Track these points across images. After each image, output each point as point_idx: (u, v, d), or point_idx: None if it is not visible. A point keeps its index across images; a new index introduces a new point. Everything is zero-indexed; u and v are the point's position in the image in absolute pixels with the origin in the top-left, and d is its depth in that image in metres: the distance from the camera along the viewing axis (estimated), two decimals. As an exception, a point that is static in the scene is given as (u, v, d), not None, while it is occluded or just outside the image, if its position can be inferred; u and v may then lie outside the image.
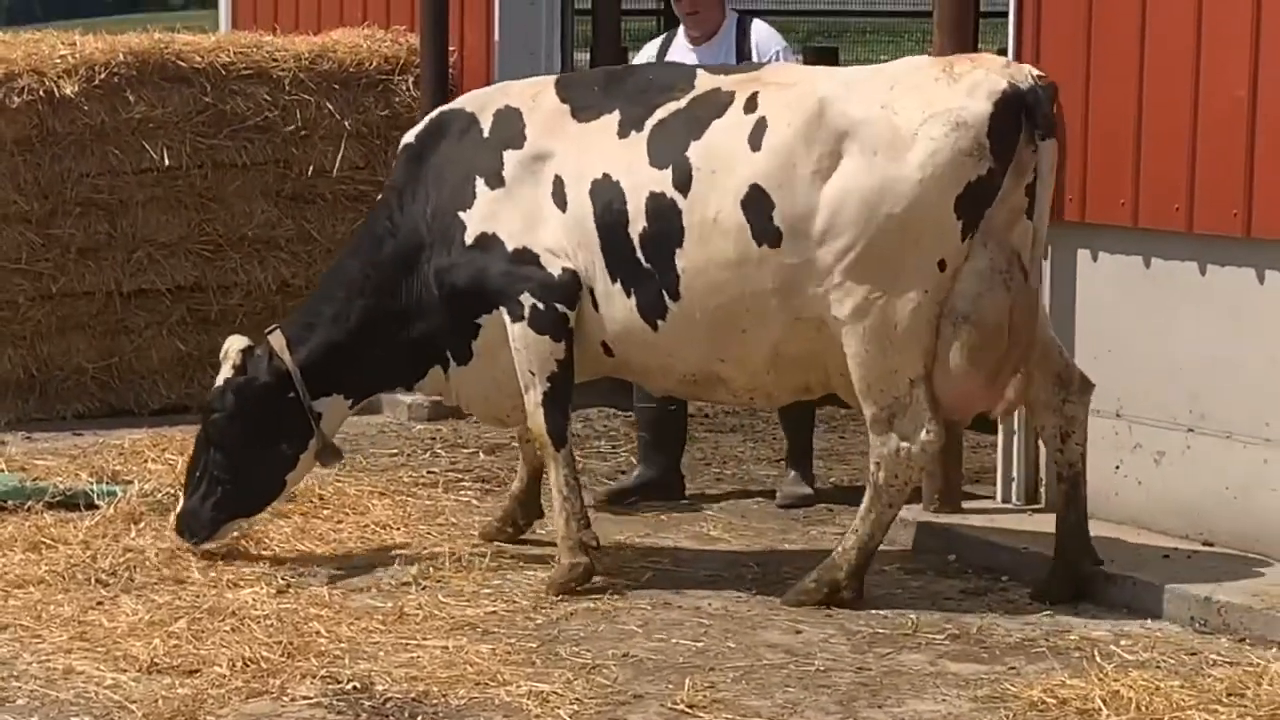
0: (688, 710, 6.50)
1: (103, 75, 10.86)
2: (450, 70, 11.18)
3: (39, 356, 10.83)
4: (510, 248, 7.94)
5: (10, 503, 8.70)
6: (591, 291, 7.90)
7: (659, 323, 7.81)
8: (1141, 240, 8.31)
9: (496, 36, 11.39)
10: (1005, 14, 8.80)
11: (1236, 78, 7.83)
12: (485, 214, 7.99)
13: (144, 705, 6.43)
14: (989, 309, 7.51)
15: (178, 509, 8.13)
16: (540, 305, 7.87)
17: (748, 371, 7.87)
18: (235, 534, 8.20)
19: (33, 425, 10.59)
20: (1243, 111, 7.82)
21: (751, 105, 7.74)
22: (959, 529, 8.47)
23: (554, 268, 7.89)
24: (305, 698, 6.57)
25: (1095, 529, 8.26)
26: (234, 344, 8.17)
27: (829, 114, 7.55)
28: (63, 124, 10.80)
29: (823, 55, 15.47)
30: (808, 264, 7.55)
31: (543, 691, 6.61)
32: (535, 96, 8.15)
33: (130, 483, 8.87)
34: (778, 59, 9.01)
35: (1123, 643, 7.22)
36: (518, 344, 7.91)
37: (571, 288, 7.88)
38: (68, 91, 10.74)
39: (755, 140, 7.65)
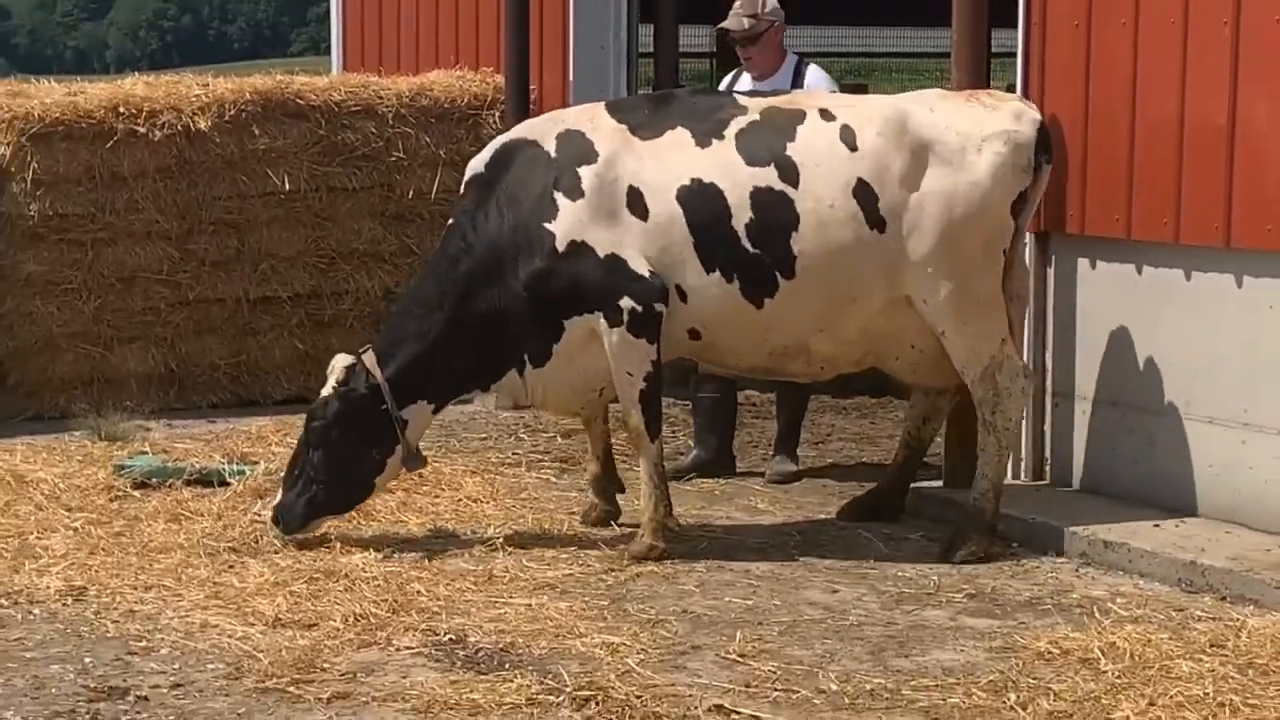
0: (739, 659, 6.48)
1: (232, 112, 10.91)
2: (531, 106, 11.16)
3: (178, 355, 10.90)
4: (602, 254, 7.82)
5: (155, 481, 8.75)
6: (678, 286, 7.83)
7: (767, 300, 7.80)
8: (1134, 250, 8.26)
9: (571, 77, 11.40)
10: (1014, 54, 8.74)
11: (1217, 110, 7.78)
12: (571, 224, 7.84)
13: (269, 654, 6.45)
14: (1023, 287, 8.13)
15: (275, 502, 8.01)
16: (639, 308, 7.77)
17: (838, 341, 7.94)
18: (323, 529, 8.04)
19: (173, 414, 10.67)
20: (1223, 139, 7.77)
21: (828, 115, 7.84)
22: (975, 502, 8.44)
23: (644, 271, 7.80)
24: (408, 648, 6.58)
25: (1095, 501, 8.28)
26: (339, 362, 8.00)
27: (909, 125, 7.79)
28: (198, 154, 10.85)
29: (855, 91, 15.39)
30: (904, 250, 7.71)
31: (613, 642, 6.61)
32: (592, 119, 8.05)
33: (257, 463, 8.93)
34: None
35: (1118, 600, 7.18)
36: (615, 347, 7.79)
37: (663, 290, 7.80)
38: (202, 126, 10.79)
39: (849, 141, 7.75)
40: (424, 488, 8.86)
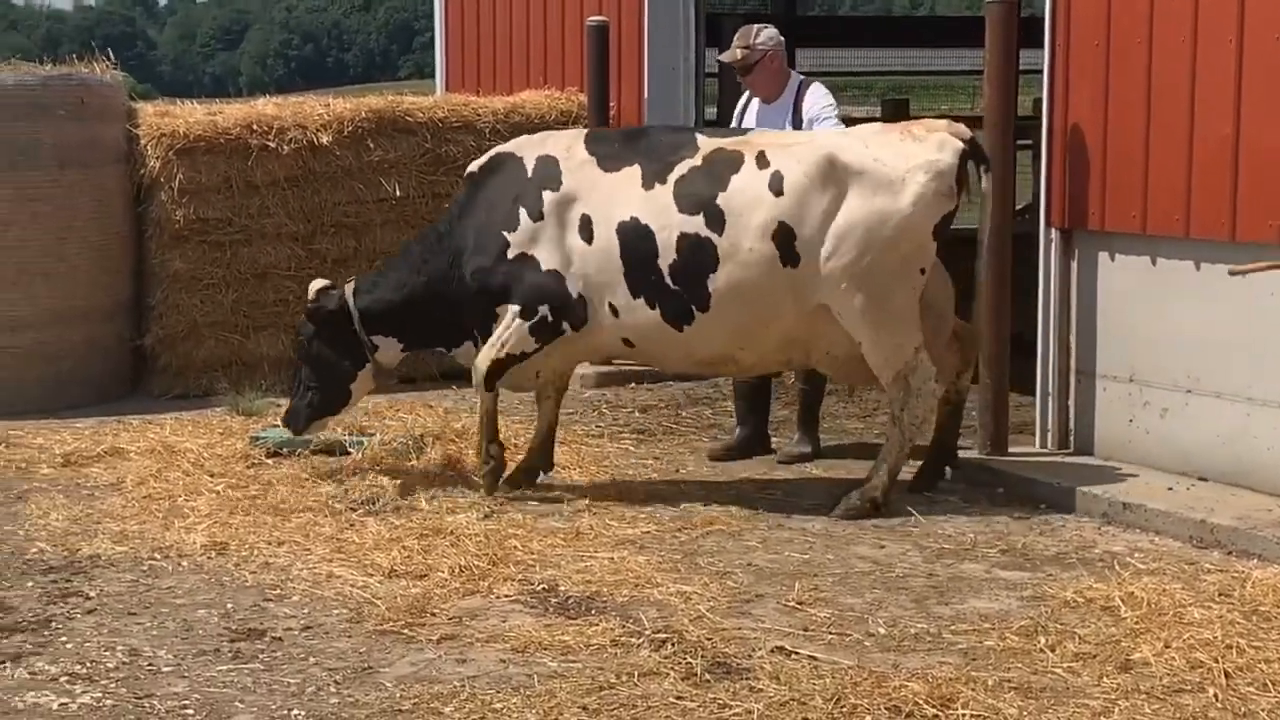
0: (798, 606, 6.47)
1: (350, 128, 10.92)
2: (610, 120, 11.17)
3: (304, 341, 10.94)
4: (544, 268, 7.96)
5: (285, 450, 8.79)
6: (610, 304, 7.93)
7: (685, 327, 7.86)
8: (1149, 244, 8.18)
9: (646, 94, 11.39)
10: (1040, 71, 8.65)
11: (1223, 118, 7.69)
12: (524, 238, 7.99)
13: (386, 601, 6.48)
14: (943, 298, 7.99)
15: (286, 406, 8.56)
16: (550, 318, 8.00)
17: (759, 352, 7.99)
18: (323, 427, 8.51)
19: (299, 393, 10.69)
20: (1229, 145, 7.68)
21: (763, 161, 7.79)
22: (1006, 469, 8.37)
23: (574, 292, 7.96)
24: (507, 596, 6.60)
25: (1113, 469, 8.19)
26: (314, 285, 8.46)
27: (840, 161, 7.69)
28: (321, 165, 10.87)
29: (898, 105, 15.31)
30: (820, 274, 7.68)
31: (686, 591, 6.60)
32: (569, 148, 8.16)
33: (373, 435, 8.89)
34: (818, 117, 8.68)
35: (1136, 555, 7.12)
36: (513, 330, 7.99)
37: (577, 313, 7.99)
38: (324, 141, 10.82)
39: (776, 187, 7.71)
40: (518, 456, 8.87)
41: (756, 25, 8.83)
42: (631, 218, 7.89)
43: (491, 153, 8.44)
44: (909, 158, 7.70)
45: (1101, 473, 8.16)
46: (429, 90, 13.27)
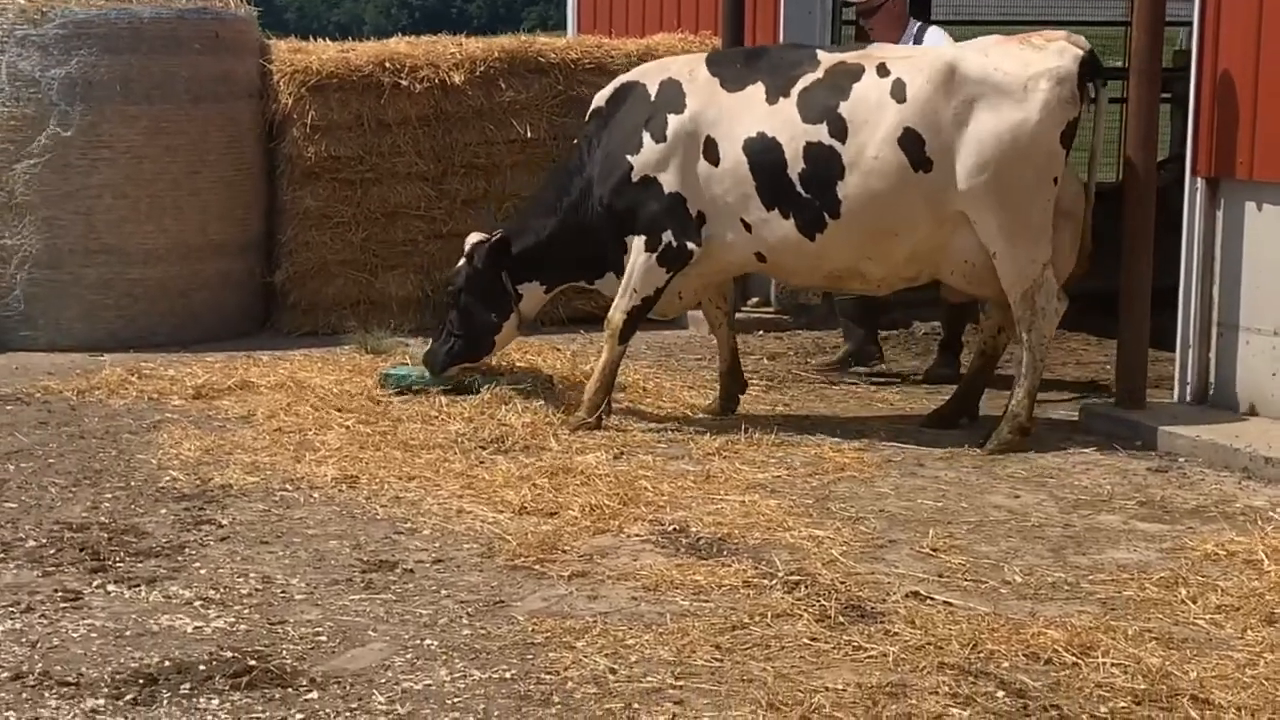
0: (931, 552, 6.40)
1: (482, 69, 10.93)
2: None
3: (432, 280, 10.88)
4: (666, 191, 8.09)
5: (414, 389, 8.81)
6: (743, 219, 8.00)
7: (818, 235, 7.92)
8: (1299, 194, 7.99)
9: (781, 38, 11.27)
10: (1188, 22, 8.46)
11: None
12: (647, 160, 8.10)
13: (517, 537, 6.48)
14: (1075, 205, 7.97)
15: (427, 348, 8.80)
16: (674, 244, 8.11)
17: (888, 265, 8.05)
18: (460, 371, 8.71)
19: (426, 333, 10.59)
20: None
21: (884, 70, 7.88)
22: (1144, 422, 8.21)
23: (694, 213, 8.06)
24: (637, 535, 6.58)
25: (1253, 423, 8.03)
26: (471, 238, 8.67)
27: (960, 70, 7.77)
28: (452, 105, 10.89)
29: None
30: (955, 183, 7.74)
31: (818, 536, 6.54)
32: (692, 70, 8.28)
33: (501, 375, 8.93)
34: None
35: (1278, 510, 6.97)
36: (640, 266, 8.15)
37: (698, 234, 8.07)
38: (456, 80, 10.84)
39: (898, 94, 7.77)
40: (648, 400, 8.87)
41: None
42: (759, 133, 8.00)
43: (615, 83, 8.56)
44: (1030, 65, 7.76)
45: (1243, 427, 7.99)
46: (560, 33, 13.21)
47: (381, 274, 10.89)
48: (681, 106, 8.14)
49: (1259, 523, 6.74)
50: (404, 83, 10.74)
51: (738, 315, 10.96)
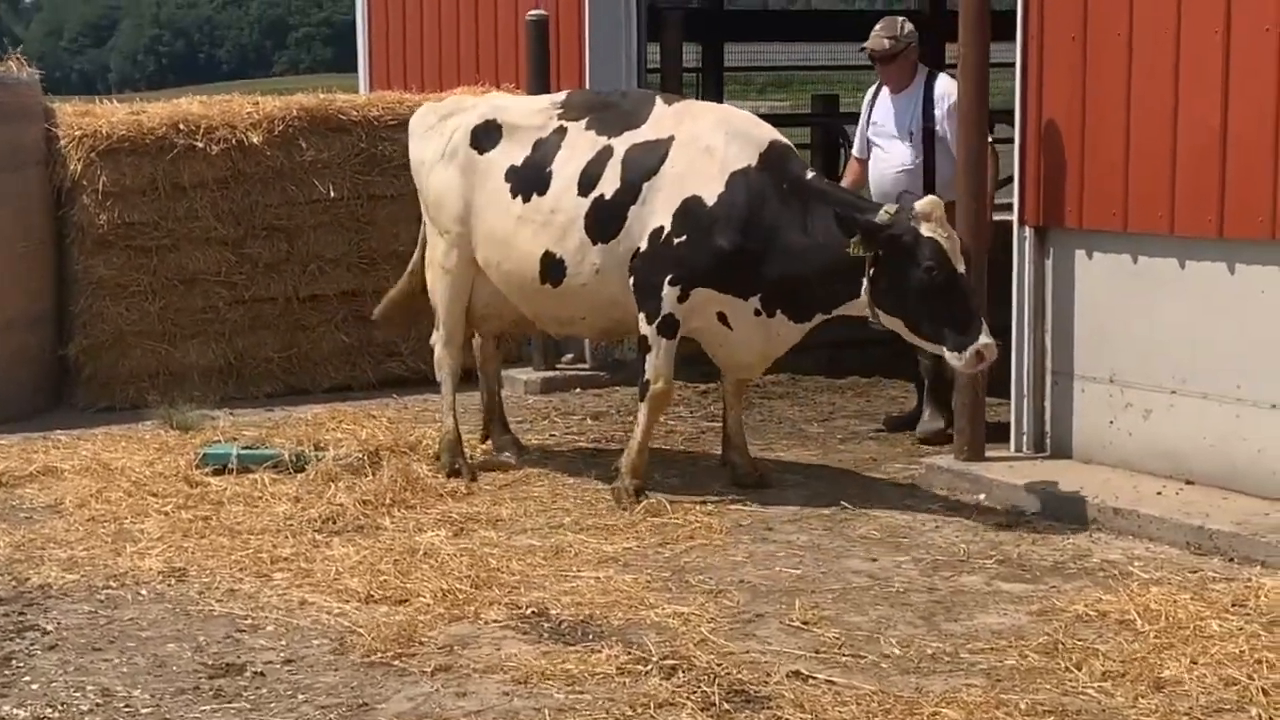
0: (803, 625, 6.21)
1: (280, 127, 10.53)
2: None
3: (235, 349, 10.52)
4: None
5: (231, 466, 8.34)
6: None
7: None
8: (1130, 241, 8.00)
9: (588, 87, 11.06)
10: (1013, 64, 8.46)
11: (1211, 111, 7.53)
12: None
13: (369, 630, 6.12)
14: None
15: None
16: None
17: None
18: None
19: (233, 403, 10.28)
20: (1215, 138, 7.52)
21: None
22: (985, 475, 8.15)
23: None
24: (495, 620, 6.27)
25: (1092, 472, 8.03)
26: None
27: None
28: (250, 166, 10.47)
29: (827, 101, 15.15)
30: None
31: (683, 613, 6.32)
32: None
33: (326, 449, 8.48)
34: (945, 108, 8.87)
35: (1136, 563, 6.93)
36: None
37: None
38: (254, 140, 10.42)
39: None
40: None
41: (900, 17, 9.18)
42: None
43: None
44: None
45: (1084, 476, 7.97)
46: (305, 88, 12.60)
47: (181, 343, 10.40)
48: None
49: (1121, 578, 6.69)
50: (199, 144, 10.29)
51: (552, 374, 10.82)
